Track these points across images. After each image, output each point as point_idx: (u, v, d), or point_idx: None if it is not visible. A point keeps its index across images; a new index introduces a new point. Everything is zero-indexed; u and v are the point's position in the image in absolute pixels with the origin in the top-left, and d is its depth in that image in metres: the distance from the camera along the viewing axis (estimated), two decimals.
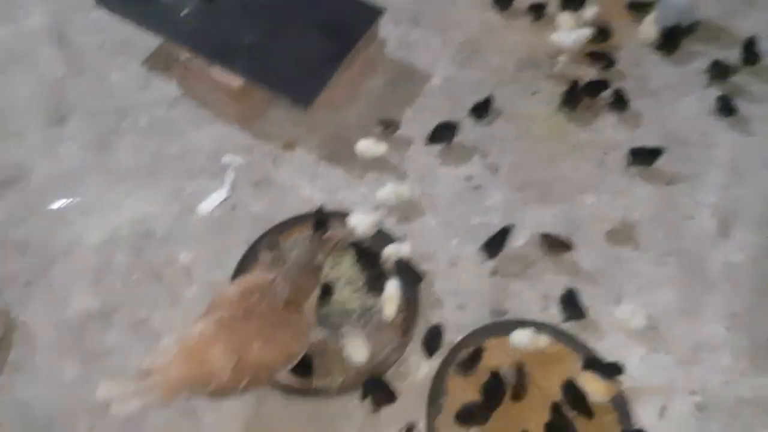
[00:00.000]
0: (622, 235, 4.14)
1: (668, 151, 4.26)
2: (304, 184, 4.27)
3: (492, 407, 3.17)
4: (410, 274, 3.85)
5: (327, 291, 3.67)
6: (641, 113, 4.56)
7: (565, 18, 4.73)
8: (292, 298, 3.12)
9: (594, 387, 3.47)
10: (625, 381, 3.53)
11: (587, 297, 3.84)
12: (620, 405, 3.47)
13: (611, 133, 4.50)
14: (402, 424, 3.44)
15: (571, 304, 3.78)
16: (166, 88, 4.56)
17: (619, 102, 4.49)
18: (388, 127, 4.34)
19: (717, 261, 4.02)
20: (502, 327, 3.74)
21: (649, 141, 4.36)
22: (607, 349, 3.66)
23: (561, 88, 4.57)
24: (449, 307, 3.88)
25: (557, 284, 3.89)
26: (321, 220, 3.93)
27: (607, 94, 4.50)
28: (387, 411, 3.49)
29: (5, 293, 3.61)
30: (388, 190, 4.10)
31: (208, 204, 4.07)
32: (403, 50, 4.78)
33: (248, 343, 2.94)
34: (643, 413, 3.48)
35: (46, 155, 4.18)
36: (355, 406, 3.51)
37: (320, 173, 4.32)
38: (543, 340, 3.63)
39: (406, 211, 4.16)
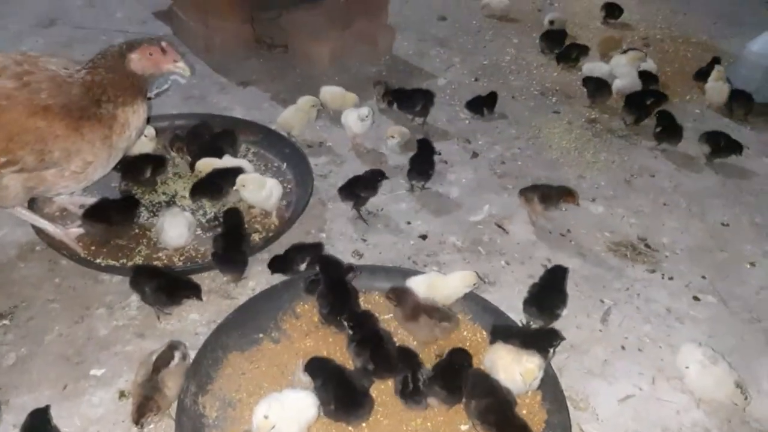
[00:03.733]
0: (627, 248, 2.78)
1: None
2: (237, 107, 3.48)
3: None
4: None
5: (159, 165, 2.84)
6: (694, 157, 3.40)
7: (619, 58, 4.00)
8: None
9: None
10: None
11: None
12: None
13: (647, 160, 3.35)
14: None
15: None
16: None
17: (671, 130, 3.41)
18: (378, 85, 3.59)
19: None
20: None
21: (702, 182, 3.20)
22: None
23: (591, 114, 3.67)
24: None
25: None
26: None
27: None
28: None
29: None
30: (355, 116, 3.18)
31: None
32: (415, 57, 4.20)
33: None
34: None
35: None
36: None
37: (263, 106, 3.54)
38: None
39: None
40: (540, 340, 2.10)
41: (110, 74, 2.26)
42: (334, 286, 2.21)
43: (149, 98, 3.49)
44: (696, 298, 2.55)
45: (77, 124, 2.21)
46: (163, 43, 2.34)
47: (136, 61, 2.35)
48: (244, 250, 2.44)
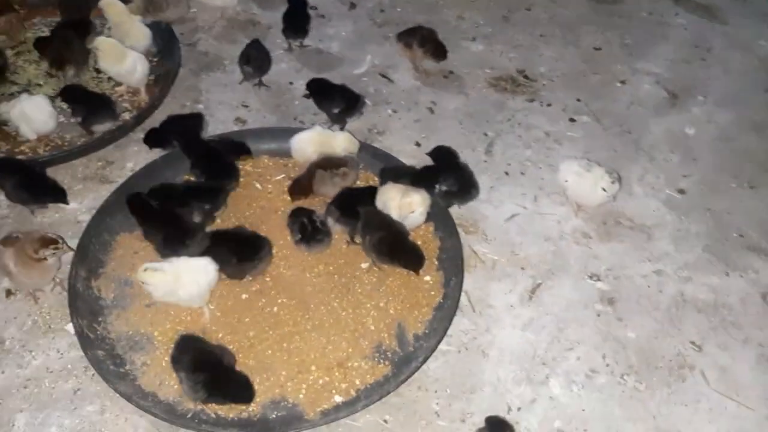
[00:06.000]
0: (507, 81, 2.84)
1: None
2: None
3: None
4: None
5: None
6: None
7: None
8: None
9: None
10: None
11: None
12: None
13: None
14: None
15: None
16: None
17: None
18: None
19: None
20: None
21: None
22: None
23: None
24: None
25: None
26: None
27: None
28: None
29: None
30: None
31: None
32: None
33: None
34: None
35: None
36: None
37: None
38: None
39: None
40: (427, 177, 2.17)
41: None
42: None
43: None
44: (572, 120, 2.69)
45: None
46: None
47: None
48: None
